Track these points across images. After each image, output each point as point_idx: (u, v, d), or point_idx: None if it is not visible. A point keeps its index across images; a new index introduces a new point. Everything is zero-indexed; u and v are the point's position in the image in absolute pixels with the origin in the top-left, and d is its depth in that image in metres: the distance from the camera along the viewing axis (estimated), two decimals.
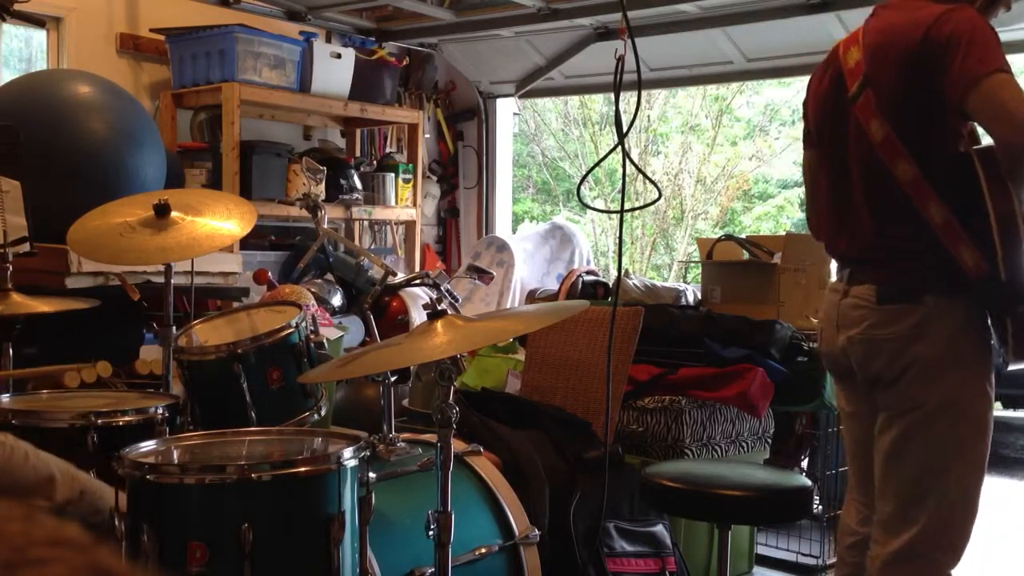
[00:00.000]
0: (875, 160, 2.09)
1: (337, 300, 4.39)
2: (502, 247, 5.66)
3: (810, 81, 2.35)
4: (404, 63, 5.59)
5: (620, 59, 2.38)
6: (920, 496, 2.09)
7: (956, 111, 2.00)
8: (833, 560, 2.99)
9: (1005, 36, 4.08)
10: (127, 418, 2.07)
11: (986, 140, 2.14)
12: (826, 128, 2.25)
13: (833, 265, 2.60)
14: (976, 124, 2.09)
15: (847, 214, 2.20)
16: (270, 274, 4.01)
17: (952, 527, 2.10)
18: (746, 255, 4.31)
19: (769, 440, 3.63)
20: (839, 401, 2.39)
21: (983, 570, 3.44)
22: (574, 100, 10.16)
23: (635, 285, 4.65)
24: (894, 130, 2.05)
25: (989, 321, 2.06)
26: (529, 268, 5.72)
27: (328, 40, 5.47)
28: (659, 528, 3.09)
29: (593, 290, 5.07)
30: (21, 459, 1.71)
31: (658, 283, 4.87)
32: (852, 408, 2.31)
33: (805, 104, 2.38)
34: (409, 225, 5.47)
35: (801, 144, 2.46)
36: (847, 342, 2.18)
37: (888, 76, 2.07)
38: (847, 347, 2.18)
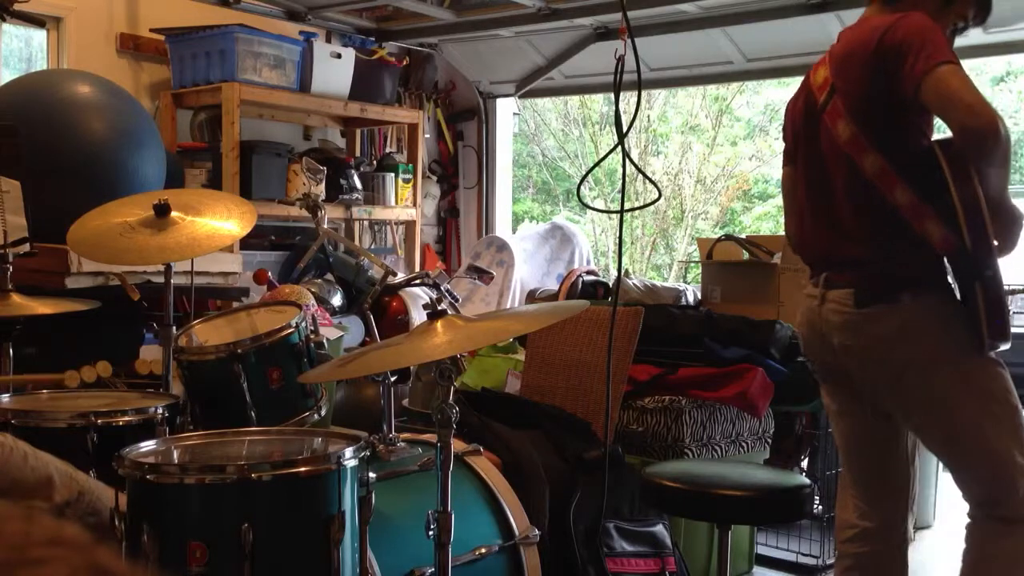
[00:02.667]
0: (845, 158, 2.17)
1: (337, 300, 4.39)
2: (502, 247, 5.66)
3: (788, 104, 2.44)
4: (404, 63, 5.59)
5: (620, 59, 2.39)
6: (966, 466, 2.18)
7: (913, 105, 2.08)
8: (833, 560, 2.99)
9: (1006, 36, 4.10)
10: (127, 418, 2.07)
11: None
12: (801, 143, 2.33)
13: None
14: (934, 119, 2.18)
15: (824, 215, 2.26)
16: (270, 274, 4.01)
17: (1008, 474, 2.13)
18: (746, 255, 4.31)
19: (769, 440, 3.63)
20: (826, 401, 2.43)
21: None
22: (574, 100, 10.15)
23: (635, 285, 4.65)
24: (860, 129, 2.14)
25: (963, 301, 2.11)
26: (529, 268, 5.72)
27: (328, 40, 5.47)
28: (659, 528, 3.08)
29: (593, 290, 5.06)
30: (20, 460, 1.71)
31: (658, 283, 4.87)
32: (841, 407, 2.36)
33: (784, 127, 2.46)
34: (409, 225, 5.47)
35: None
36: (840, 348, 2.22)
37: (852, 81, 2.17)
38: (840, 352, 2.23)
